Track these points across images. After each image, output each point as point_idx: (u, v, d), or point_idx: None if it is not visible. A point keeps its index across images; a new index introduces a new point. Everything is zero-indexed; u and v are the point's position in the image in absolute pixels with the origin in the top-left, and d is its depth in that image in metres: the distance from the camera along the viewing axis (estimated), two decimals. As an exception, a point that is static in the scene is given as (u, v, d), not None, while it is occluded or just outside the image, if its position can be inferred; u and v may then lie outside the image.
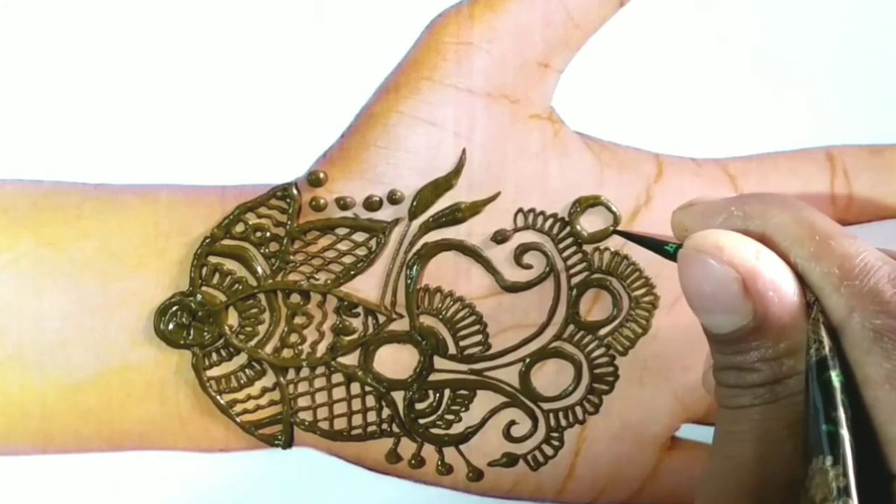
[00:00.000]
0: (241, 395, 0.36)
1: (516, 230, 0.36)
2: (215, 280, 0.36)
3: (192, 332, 0.36)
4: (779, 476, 0.27)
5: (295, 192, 0.36)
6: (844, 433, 0.25)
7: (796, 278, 0.28)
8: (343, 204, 0.36)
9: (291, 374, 0.36)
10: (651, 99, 0.37)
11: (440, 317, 0.36)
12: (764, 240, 0.29)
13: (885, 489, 0.25)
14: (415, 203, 0.36)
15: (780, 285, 0.28)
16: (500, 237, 0.36)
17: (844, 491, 0.24)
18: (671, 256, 0.30)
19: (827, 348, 0.26)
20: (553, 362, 0.37)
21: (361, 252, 0.36)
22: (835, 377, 0.26)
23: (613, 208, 0.36)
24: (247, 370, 0.36)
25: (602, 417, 0.37)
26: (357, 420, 0.37)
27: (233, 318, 0.36)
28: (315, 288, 0.36)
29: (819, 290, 0.27)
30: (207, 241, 0.36)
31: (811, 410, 0.26)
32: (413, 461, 0.37)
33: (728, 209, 0.30)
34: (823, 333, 0.27)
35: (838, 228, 0.28)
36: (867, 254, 0.27)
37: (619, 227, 0.36)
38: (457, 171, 0.36)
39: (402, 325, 0.36)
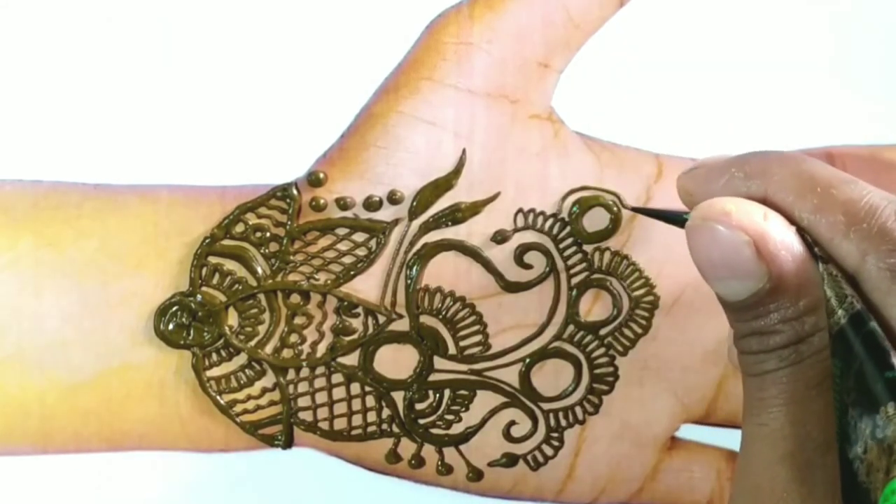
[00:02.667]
0: (241, 395, 0.36)
1: (516, 230, 0.36)
2: (215, 280, 0.36)
3: (192, 332, 0.36)
4: (814, 436, 0.27)
5: (295, 192, 0.36)
6: None
7: (802, 238, 0.28)
8: (343, 204, 0.36)
9: (291, 374, 0.36)
10: (651, 99, 0.37)
11: (440, 317, 0.36)
12: (767, 199, 0.29)
13: None
14: (415, 203, 0.36)
15: (791, 244, 0.28)
16: (500, 237, 0.36)
17: None
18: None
19: (858, 303, 0.26)
20: (553, 362, 0.37)
21: (361, 252, 0.36)
22: (877, 326, 0.26)
23: (614, 208, 0.36)
24: (247, 370, 0.36)
25: (602, 417, 0.37)
26: (357, 420, 0.37)
27: (233, 319, 0.36)
28: (315, 288, 0.36)
29: (828, 241, 0.27)
30: (207, 241, 0.36)
31: (854, 366, 0.25)
32: (413, 461, 0.37)
33: (729, 170, 0.30)
34: (848, 288, 0.26)
35: (840, 176, 0.28)
36: (871, 195, 0.27)
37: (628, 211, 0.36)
38: (457, 171, 0.36)
39: (402, 325, 0.36)
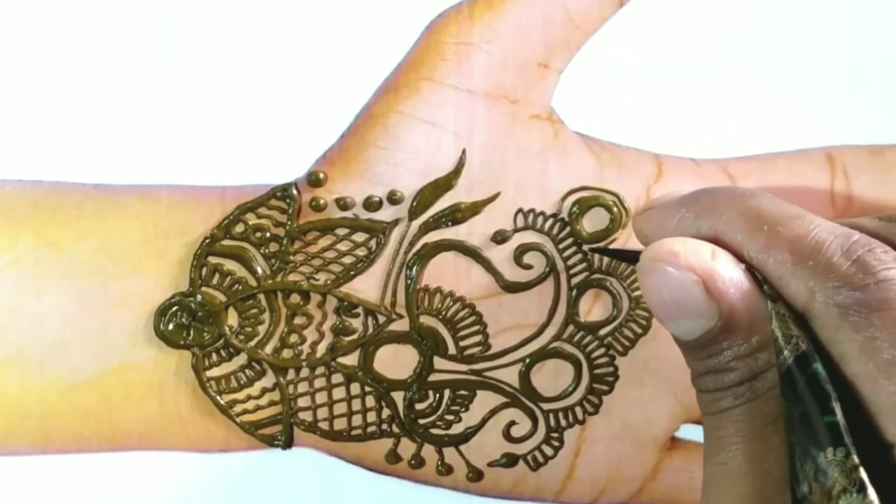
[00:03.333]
0: (240, 395, 0.36)
1: (516, 230, 0.36)
2: (215, 280, 0.36)
3: (192, 332, 0.36)
4: (773, 472, 0.27)
5: (295, 192, 0.36)
6: (842, 421, 0.25)
7: (753, 275, 0.28)
8: (343, 204, 0.36)
9: (291, 374, 0.36)
10: (651, 99, 0.37)
11: (440, 317, 0.36)
12: (717, 239, 0.29)
13: (885, 458, 0.25)
14: (415, 203, 0.36)
15: (740, 281, 0.28)
16: (500, 237, 0.36)
17: (859, 479, 0.24)
18: None
19: (804, 343, 0.26)
20: (553, 362, 0.37)
21: (361, 252, 0.36)
22: (820, 368, 0.26)
23: (614, 209, 0.36)
24: (247, 370, 0.36)
25: (602, 418, 0.37)
26: (357, 420, 0.37)
27: (233, 319, 0.36)
28: (315, 288, 0.36)
29: (777, 279, 0.27)
30: (207, 241, 0.36)
31: (798, 407, 0.26)
32: (413, 461, 0.37)
33: (680, 211, 0.30)
34: (794, 328, 0.26)
35: (788, 211, 0.28)
36: (817, 231, 0.27)
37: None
38: (457, 172, 0.36)
39: (402, 326, 0.36)
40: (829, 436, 0.25)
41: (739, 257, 0.28)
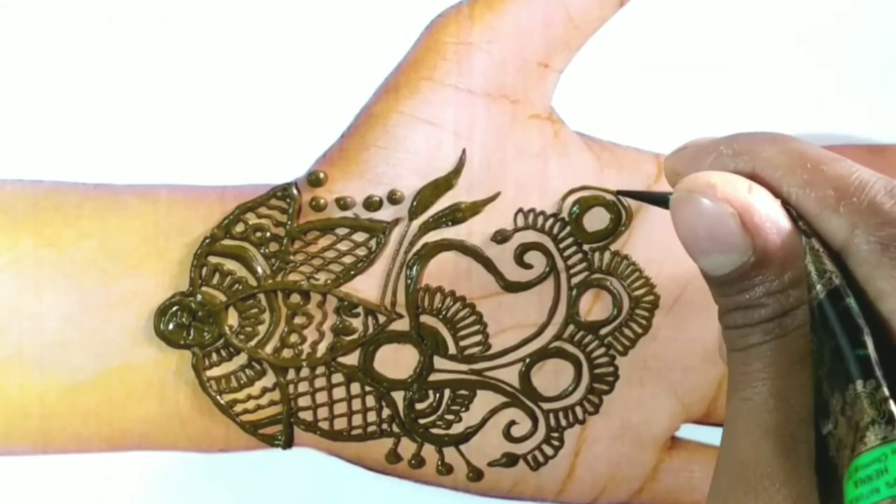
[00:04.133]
0: (241, 395, 0.36)
1: (516, 230, 0.36)
2: (215, 280, 0.36)
3: (192, 332, 0.36)
4: (798, 410, 0.27)
5: (295, 192, 0.36)
6: (874, 354, 0.25)
7: (787, 212, 0.28)
8: (343, 204, 0.36)
9: (291, 374, 0.36)
10: (651, 99, 0.37)
11: (440, 317, 0.36)
12: (754, 176, 0.28)
13: None
14: (415, 203, 0.36)
15: (777, 217, 0.27)
16: (500, 237, 0.36)
17: (889, 410, 0.24)
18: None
19: (837, 278, 0.26)
20: (553, 362, 0.37)
21: (361, 252, 0.36)
22: (853, 303, 0.26)
23: (614, 208, 0.36)
24: (247, 370, 0.36)
25: (602, 417, 0.37)
26: (357, 420, 0.37)
27: (233, 318, 0.36)
28: (315, 288, 0.36)
29: (816, 216, 0.27)
30: (207, 241, 0.36)
31: (829, 341, 0.26)
32: (413, 461, 0.37)
33: (717, 149, 0.30)
34: (829, 263, 0.26)
35: (829, 154, 0.28)
36: (860, 172, 0.27)
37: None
38: (457, 171, 0.36)
39: (402, 325, 0.36)
40: (859, 368, 0.25)
41: (776, 194, 0.28)
